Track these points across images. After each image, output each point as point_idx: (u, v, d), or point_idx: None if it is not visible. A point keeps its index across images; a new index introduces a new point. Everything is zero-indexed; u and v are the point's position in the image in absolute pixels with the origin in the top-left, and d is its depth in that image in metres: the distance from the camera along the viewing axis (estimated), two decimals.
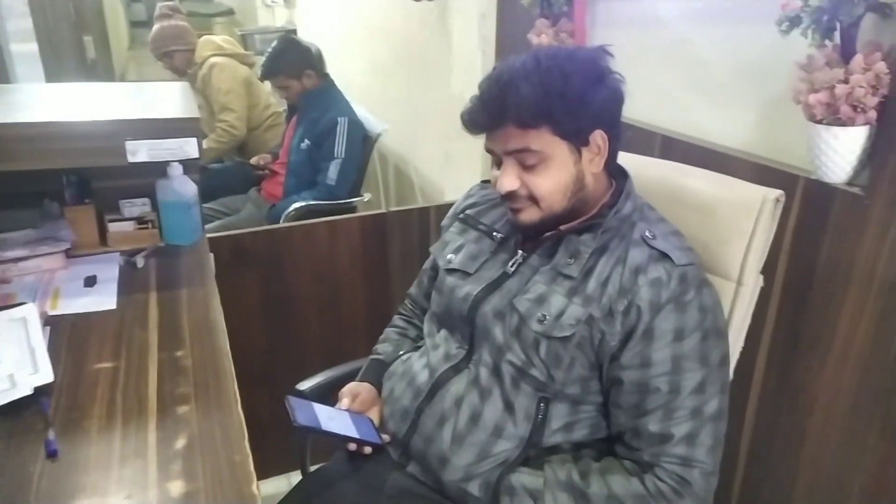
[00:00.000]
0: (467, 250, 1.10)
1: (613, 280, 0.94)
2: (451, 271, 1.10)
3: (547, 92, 0.91)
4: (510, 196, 0.99)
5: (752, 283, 1.03)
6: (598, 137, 0.96)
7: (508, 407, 0.98)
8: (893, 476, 1.02)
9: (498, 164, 1.00)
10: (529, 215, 0.99)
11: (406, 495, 1.04)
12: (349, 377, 1.22)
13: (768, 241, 1.02)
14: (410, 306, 1.32)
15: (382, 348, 1.24)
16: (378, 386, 1.17)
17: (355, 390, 1.15)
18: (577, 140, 0.96)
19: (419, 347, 1.17)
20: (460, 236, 1.14)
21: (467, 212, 1.16)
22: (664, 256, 0.93)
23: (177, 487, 0.79)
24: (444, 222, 1.22)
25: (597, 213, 1.00)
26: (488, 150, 1.00)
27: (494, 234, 1.10)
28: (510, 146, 0.96)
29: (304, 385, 1.24)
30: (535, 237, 1.03)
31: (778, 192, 0.99)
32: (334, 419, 1.06)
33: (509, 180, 0.97)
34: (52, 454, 0.83)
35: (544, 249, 1.02)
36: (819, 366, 1.11)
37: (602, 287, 0.94)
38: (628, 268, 0.94)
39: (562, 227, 1.00)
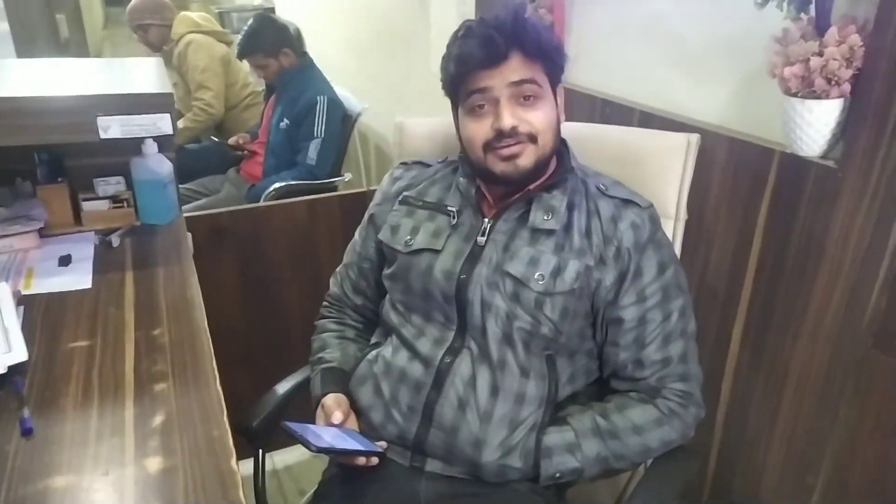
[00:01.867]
0: (425, 229, 1.07)
1: (595, 230, 1.01)
2: (415, 252, 1.06)
3: (543, 31, 1.01)
4: (513, 133, 0.98)
5: (683, 218, 1.15)
6: (560, 90, 1.05)
7: (524, 372, 1.00)
8: (863, 444, 1.05)
9: (479, 107, 0.99)
10: (527, 158, 1.00)
11: (444, 499, 1.00)
12: (300, 387, 1.17)
13: (690, 179, 1.13)
14: (337, 307, 1.24)
15: (329, 355, 1.14)
16: (346, 395, 1.09)
17: (339, 401, 1.07)
18: (555, 85, 1.03)
19: (374, 345, 1.12)
20: (409, 218, 1.10)
21: (405, 193, 1.14)
22: (628, 203, 1.03)
23: (155, 463, 0.78)
24: (376, 209, 1.17)
25: (555, 172, 1.06)
26: (476, 92, 0.99)
27: (447, 207, 1.08)
28: (515, 76, 0.97)
29: (282, 388, 1.18)
30: (500, 200, 1.05)
31: (696, 136, 1.12)
32: (335, 436, 0.98)
33: (511, 116, 0.98)
34: (26, 432, 0.82)
35: (511, 212, 1.03)
36: (793, 338, 1.13)
37: (586, 238, 1.00)
38: (604, 218, 1.01)
39: (530, 188, 1.03)
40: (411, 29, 2.46)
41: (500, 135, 0.98)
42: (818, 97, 0.97)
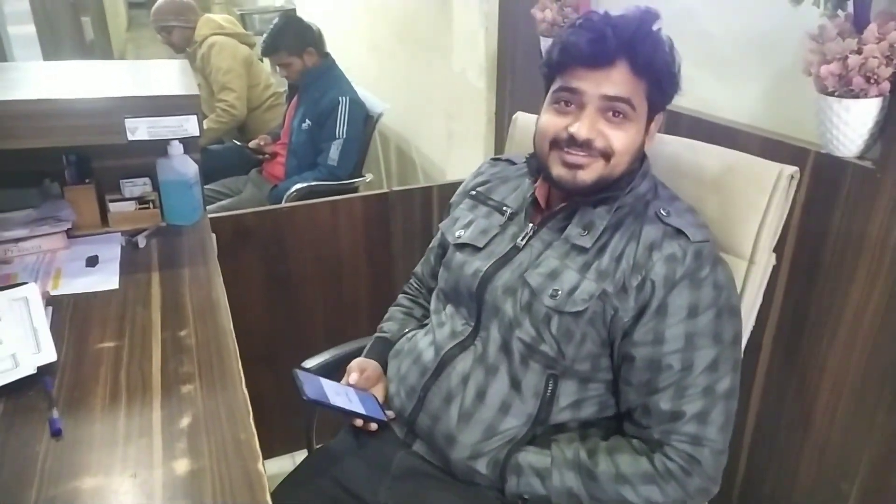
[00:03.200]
0: (477, 225, 1.09)
1: (627, 255, 0.93)
2: (460, 246, 1.09)
3: (661, 49, 0.93)
4: (585, 145, 0.93)
5: (765, 262, 1.01)
6: (660, 118, 0.99)
7: (515, 384, 0.98)
8: None
9: (565, 103, 0.95)
10: (590, 174, 0.95)
11: (412, 474, 1.04)
12: (354, 356, 1.21)
13: (782, 219, 1.00)
14: (416, 285, 1.31)
15: (388, 326, 1.23)
16: (383, 364, 1.17)
17: (362, 365, 1.15)
18: (653, 112, 0.97)
19: (424, 326, 1.16)
20: (470, 212, 1.13)
21: (478, 189, 1.15)
22: (679, 233, 0.92)
23: (182, 465, 0.78)
24: (454, 199, 1.21)
25: (612, 187, 0.98)
26: (567, 90, 0.94)
27: (504, 208, 1.08)
28: (611, 90, 0.92)
29: (310, 363, 1.23)
30: (550, 209, 1.03)
31: (793, 169, 0.97)
32: (341, 394, 1.06)
33: (589, 129, 0.92)
34: (56, 433, 0.83)
35: (555, 223, 1.01)
36: (828, 342, 1.11)
37: (616, 262, 0.93)
38: (642, 244, 0.92)
39: (576, 198, 0.99)
40: (433, 29, 2.46)
41: (572, 141, 0.94)
42: (856, 96, 0.94)
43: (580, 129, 0.93)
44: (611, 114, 0.93)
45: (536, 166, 1.07)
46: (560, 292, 0.94)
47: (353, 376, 1.12)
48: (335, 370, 1.21)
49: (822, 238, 1.08)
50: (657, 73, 0.93)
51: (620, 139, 0.94)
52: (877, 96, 0.94)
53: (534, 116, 1.35)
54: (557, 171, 0.97)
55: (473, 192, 1.15)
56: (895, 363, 1.00)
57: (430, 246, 1.27)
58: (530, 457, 0.96)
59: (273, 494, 0.75)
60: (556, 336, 0.94)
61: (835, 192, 1.05)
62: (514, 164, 1.18)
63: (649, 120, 0.97)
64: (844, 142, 0.99)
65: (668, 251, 0.91)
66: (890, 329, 1.00)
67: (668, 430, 0.90)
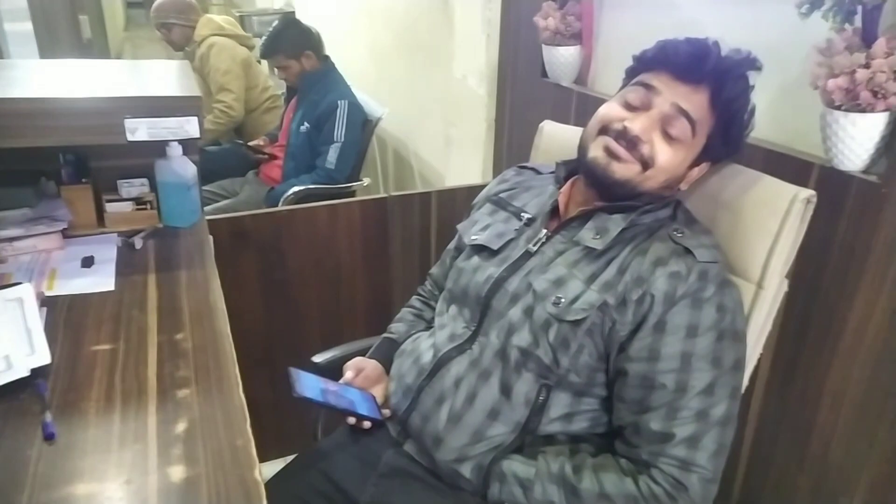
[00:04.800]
0: (494, 229, 1.09)
1: (632, 269, 0.92)
2: (475, 249, 1.09)
3: (745, 98, 0.97)
4: (632, 142, 0.94)
5: (775, 288, 0.97)
6: (704, 168, 1.01)
7: (505, 390, 0.97)
8: None
9: (630, 102, 0.97)
10: (623, 170, 0.96)
11: (399, 474, 1.04)
12: (363, 352, 1.22)
13: (796, 244, 0.97)
14: (430, 287, 1.31)
15: (396, 327, 1.23)
16: (386, 364, 1.16)
17: (360, 365, 1.15)
18: (705, 155, 0.99)
19: (429, 327, 1.16)
20: (490, 216, 1.13)
21: (501, 195, 1.16)
22: (687, 252, 0.91)
23: (178, 472, 0.77)
24: (476, 202, 1.21)
25: (634, 199, 0.98)
26: (644, 85, 0.97)
27: (522, 214, 1.08)
28: (685, 103, 0.94)
29: (319, 358, 1.24)
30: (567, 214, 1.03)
31: (809, 193, 0.94)
32: (335, 393, 1.06)
33: (645, 128, 0.94)
34: (49, 437, 0.81)
35: (569, 231, 1.01)
36: (829, 357, 1.10)
37: (619, 275, 0.93)
38: (648, 259, 0.92)
39: (596, 204, 1.00)
40: (434, 35, 2.45)
41: (622, 134, 0.95)
42: (863, 110, 0.94)
43: (635, 124, 0.94)
44: (669, 130, 0.95)
45: (565, 173, 1.08)
46: (563, 300, 0.94)
47: (347, 374, 1.13)
48: (342, 366, 1.20)
49: (824, 252, 1.08)
50: (730, 116, 0.96)
51: (666, 154, 0.95)
52: (884, 111, 0.94)
53: (561, 126, 1.37)
54: (595, 153, 0.98)
55: (495, 198, 1.16)
56: None
57: (447, 248, 1.27)
58: (515, 466, 0.95)
59: (267, 485, 0.75)
60: (552, 344, 0.93)
61: (839, 206, 1.04)
62: (540, 173, 1.18)
63: (696, 161, 0.99)
64: (850, 156, 0.99)
65: (672, 268, 0.89)
66: (892, 345, 1.00)
67: (657, 452, 0.88)
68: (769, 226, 0.95)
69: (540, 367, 0.95)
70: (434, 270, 1.31)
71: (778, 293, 0.99)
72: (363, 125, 2.56)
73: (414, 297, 1.32)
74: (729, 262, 0.98)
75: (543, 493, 0.92)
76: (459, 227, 1.20)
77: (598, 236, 0.97)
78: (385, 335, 1.22)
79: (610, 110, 0.99)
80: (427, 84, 2.60)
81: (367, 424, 1.08)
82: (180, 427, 0.84)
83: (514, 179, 1.19)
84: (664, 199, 1.00)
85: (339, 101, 2.47)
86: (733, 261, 0.99)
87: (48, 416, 0.84)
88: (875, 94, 0.92)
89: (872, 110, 0.94)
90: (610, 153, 0.96)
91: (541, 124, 1.39)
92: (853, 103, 0.95)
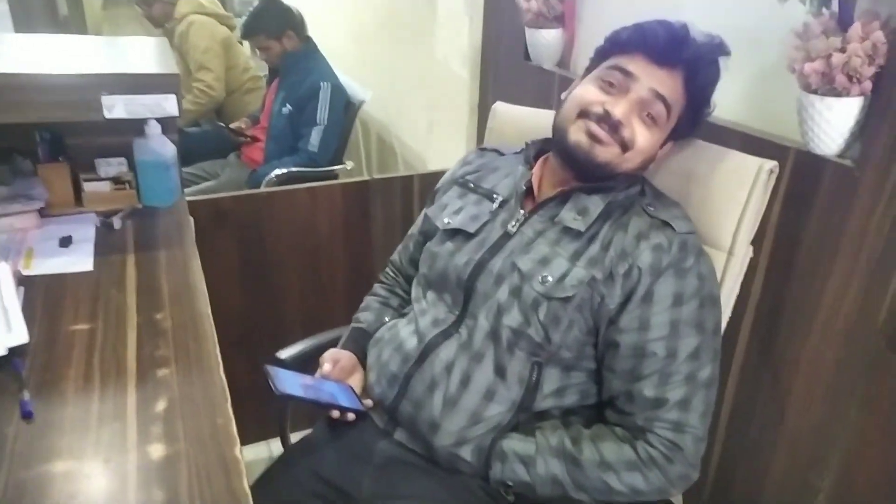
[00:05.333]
0: (467, 212, 1.09)
1: (615, 244, 0.95)
2: (450, 233, 1.08)
3: (714, 83, 0.99)
4: (614, 126, 0.96)
5: (743, 254, 1.04)
6: (670, 147, 1.04)
7: (499, 371, 0.98)
8: (872, 445, 1.04)
9: (610, 84, 0.98)
10: (605, 153, 0.97)
11: (395, 463, 1.03)
12: (329, 345, 1.19)
13: (760, 212, 1.03)
14: (392, 273, 1.29)
15: (364, 317, 1.21)
16: (359, 354, 1.15)
17: (335, 356, 1.13)
18: (673, 134, 1.01)
19: (404, 315, 1.15)
20: (459, 199, 1.12)
21: (467, 177, 1.15)
22: (665, 225, 0.95)
23: (157, 450, 0.77)
24: (440, 186, 1.20)
25: (611, 179, 1.00)
26: (621, 70, 0.97)
27: (494, 195, 1.08)
28: (661, 88, 0.96)
29: (285, 353, 1.21)
30: (542, 197, 1.04)
31: (772, 164, 1.00)
32: (314, 387, 1.05)
33: (624, 111, 0.96)
34: (26, 415, 0.81)
35: (547, 210, 1.01)
36: (802, 337, 1.12)
37: (604, 250, 0.95)
38: (630, 233, 0.95)
39: (573, 185, 1.01)
40: (417, 17, 2.44)
41: (604, 118, 0.96)
42: (838, 94, 0.95)
43: (616, 108, 0.96)
44: (646, 114, 0.97)
45: (535, 152, 1.09)
46: (550, 279, 0.95)
47: (325, 367, 1.10)
48: (311, 360, 1.18)
49: (800, 234, 1.10)
50: (702, 100, 0.99)
51: (645, 138, 0.98)
52: (858, 95, 0.95)
53: (513, 107, 1.38)
54: (577, 137, 0.98)
55: (461, 181, 1.15)
56: (868, 362, 1.02)
57: (410, 233, 1.26)
58: (515, 444, 0.97)
59: (251, 489, 0.74)
60: (543, 322, 0.95)
61: (814, 189, 1.06)
62: (502, 154, 1.18)
63: (673, 137, 1.02)
64: (825, 140, 1.00)
65: (654, 241, 0.93)
66: (864, 326, 1.02)
67: (652, 417, 0.92)
68: (738, 196, 1.01)
69: (531, 346, 0.96)
70: (395, 257, 1.29)
71: (745, 259, 1.06)
72: (346, 107, 2.54)
73: (377, 285, 1.29)
74: (700, 231, 1.02)
75: (546, 467, 0.94)
76: (428, 211, 1.18)
77: (578, 217, 0.98)
78: (354, 325, 1.20)
79: (587, 93, 0.99)
80: (410, 67, 2.58)
81: (350, 416, 1.06)
82: (160, 406, 0.84)
83: (477, 161, 1.18)
84: (635, 177, 1.03)
85: (321, 83, 2.45)
86: (705, 231, 1.03)
87: (26, 395, 0.83)
88: (850, 78, 0.93)
89: (848, 94, 0.95)
90: (592, 137, 0.97)
91: (493, 106, 1.38)
92: (829, 87, 0.96)
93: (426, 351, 1.02)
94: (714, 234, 1.03)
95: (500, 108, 1.39)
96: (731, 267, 1.03)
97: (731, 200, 1.01)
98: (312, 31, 2.66)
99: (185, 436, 0.79)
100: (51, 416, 0.82)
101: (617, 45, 1.00)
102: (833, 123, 0.98)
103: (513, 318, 0.97)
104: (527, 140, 1.15)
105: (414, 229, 1.25)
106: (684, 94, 0.98)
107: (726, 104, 1.23)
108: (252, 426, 1.52)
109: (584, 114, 0.98)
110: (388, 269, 1.31)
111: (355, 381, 1.12)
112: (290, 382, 1.01)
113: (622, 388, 0.94)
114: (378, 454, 1.04)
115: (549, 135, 1.07)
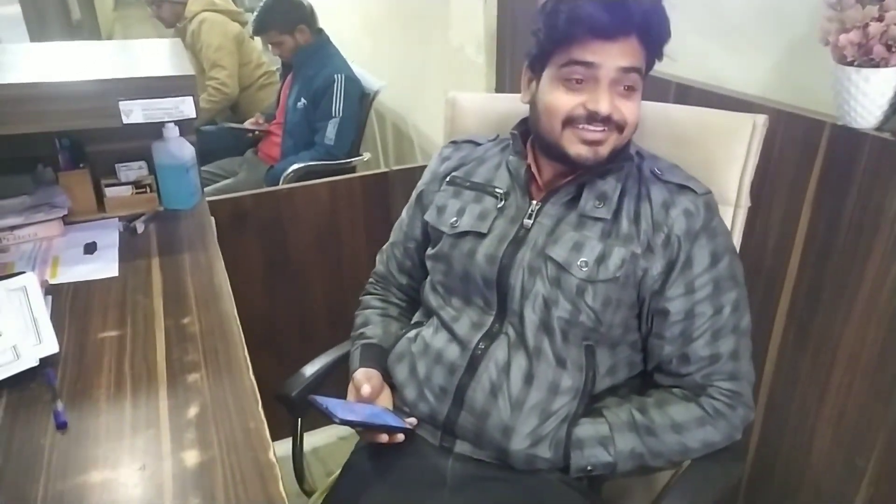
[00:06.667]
0: (471, 211, 1.04)
1: (644, 216, 0.96)
2: (460, 235, 1.04)
3: (667, 22, 0.93)
4: (604, 120, 0.92)
5: (745, 205, 1.08)
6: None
7: (560, 361, 0.96)
8: None
9: (576, 80, 0.92)
10: (608, 147, 0.95)
11: (470, 481, 0.98)
12: (338, 363, 1.15)
13: (755, 164, 1.06)
14: (382, 284, 1.22)
15: (370, 331, 1.13)
16: (381, 371, 1.08)
17: (369, 375, 1.06)
18: (643, 78, 0.96)
19: (416, 324, 1.10)
20: (456, 199, 1.07)
21: (453, 174, 1.11)
22: (683, 188, 0.97)
23: (192, 457, 0.77)
24: (425, 188, 1.15)
25: (612, 157, 0.97)
26: (580, 63, 0.90)
27: (495, 189, 1.05)
28: (625, 62, 0.90)
29: (308, 370, 1.15)
30: (550, 182, 1.01)
31: (763, 118, 1.03)
32: (359, 411, 0.98)
33: (610, 103, 0.91)
34: (61, 426, 0.81)
35: (559, 197, 0.99)
36: (843, 318, 1.09)
37: (635, 225, 0.95)
38: (655, 203, 0.96)
39: (579, 171, 0.98)
40: (429, 3, 2.40)
41: (592, 117, 0.92)
42: (876, 65, 0.92)
43: (602, 104, 0.91)
44: (622, 87, 0.93)
45: (523, 148, 1.05)
46: (588, 263, 0.94)
47: (364, 388, 1.02)
48: (323, 382, 1.14)
49: (838, 213, 1.06)
50: (660, 43, 0.94)
51: (633, 110, 0.95)
52: None
53: (471, 95, 1.31)
54: (576, 149, 0.95)
55: (450, 179, 1.11)
56: None
57: (392, 241, 1.20)
58: (588, 429, 0.95)
59: None
60: (592, 307, 0.94)
61: (852, 165, 1.02)
62: (478, 143, 1.14)
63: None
64: (863, 113, 0.97)
65: (682, 206, 0.95)
66: None
67: (710, 373, 0.95)
68: (738, 152, 1.05)
69: (584, 331, 0.96)
70: (380, 268, 1.23)
71: (745, 210, 1.09)
72: (361, 99, 2.52)
73: (367, 297, 1.22)
74: None
75: (624, 442, 0.94)
76: (427, 217, 1.11)
77: (600, 204, 0.97)
78: (363, 342, 1.12)
79: (559, 101, 0.94)
80: (424, 54, 2.55)
81: (400, 437, 0.99)
82: (192, 411, 0.84)
83: (456, 156, 1.14)
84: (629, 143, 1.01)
85: (335, 76, 2.43)
86: (713, 190, 1.02)
87: (59, 405, 0.83)
88: (889, 47, 0.89)
89: (886, 65, 0.91)
90: (591, 143, 0.94)
91: (449, 96, 1.30)
92: (866, 58, 0.92)
93: (475, 358, 0.99)
94: (720, 192, 1.05)
95: (458, 98, 1.30)
96: (738, 219, 1.08)
97: (733, 157, 1.05)
98: (324, 24, 2.64)
99: (218, 441, 0.79)
100: (85, 425, 0.82)
101: (558, 35, 0.92)
102: (870, 96, 0.95)
103: (563, 309, 0.95)
104: (501, 133, 1.13)
105: (397, 237, 1.20)
106: (643, 47, 0.92)
107: (755, 79, 1.20)
108: (282, 422, 1.53)
109: (569, 121, 0.94)
110: (372, 281, 1.24)
111: (386, 400, 1.06)
112: (342, 409, 0.93)
113: (675, 352, 0.96)
114: (451, 474, 0.99)
115: (516, 118, 1.07)
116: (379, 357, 1.09)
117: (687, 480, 0.95)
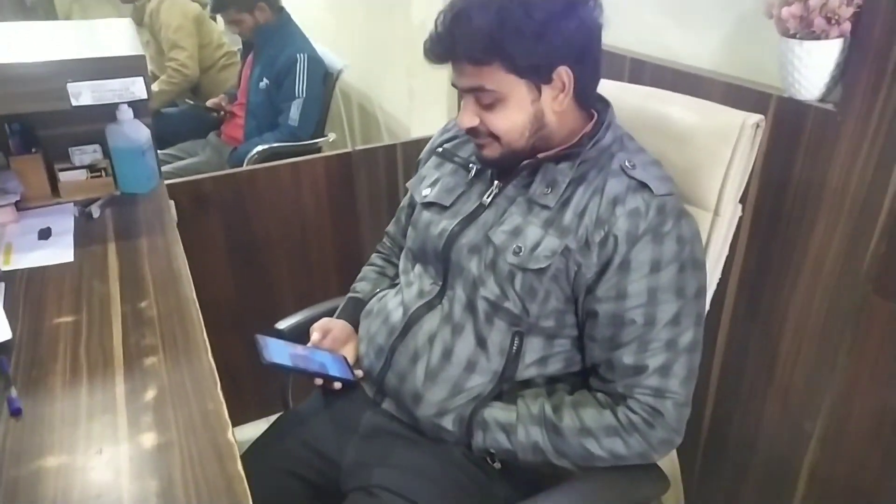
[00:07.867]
0: (443, 183, 1.08)
1: (590, 210, 0.91)
2: (427, 205, 1.08)
3: (502, 24, 0.85)
4: (472, 132, 0.97)
5: (730, 213, 1.00)
6: (563, 74, 0.90)
7: (481, 342, 0.98)
8: (860, 394, 1.05)
9: (460, 98, 0.97)
10: (491, 151, 0.97)
11: (380, 433, 1.05)
12: (328, 315, 1.20)
13: (747, 170, 0.99)
14: (389, 244, 1.30)
15: (360, 286, 1.22)
16: (354, 324, 1.16)
17: (327, 326, 1.14)
18: (537, 77, 0.90)
19: (396, 285, 1.15)
20: (436, 170, 1.11)
21: (445, 146, 1.13)
22: (643, 186, 0.91)
23: (149, 439, 0.77)
24: (421, 157, 1.19)
25: (576, 143, 0.96)
26: (453, 85, 0.96)
27: (470, 165, 1.06)
28: (465, 83, 0.93)
29: (283, 324, 1.22)
30: (511, 167, 1.00)
31: (757, 117, 0.95)
32: (305, 357, 1.06)
33: (468, 117, 0.95)
34: (15, 412, 0.80)
35: (520, 179, 0.99)
36: (790, 288, 1.12)
37: (578, 218, 0.92)
38: (605, 198, 0.91)
39: (539, 156, 0.97)
40: None
41: (467, 132, 0.98)
42: (817, 38, 0.94)
43: (461, 120, 0.96)
44: (483, 105, 0.93)
45: None
46: (523, 249, 0.94)
47: (314, 336, 1.11)
48: (307, 331, 1.19)
49: (784, 183, 1.09)
50: (502, 50, 0.87)
51: (499, 121, 0.93)
52: (838, 37, 0.94)
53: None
54: (475, 151, 1.01)
55: (440, 150, 1.14)
56: (854, 308, 1.03)
57: (401, 205, 1.26)
58: (496, 412, 0.97)
59: (241, 458, 0.75)
60: (519, 294, 0.94)
61: (797, 137, 1.05)
62: None
63: (536, 85, 0.91)
64: (806, 85, 0.99)
65: (631, 205, 0.89)
66: (850, 273, 1.02)
67: (632, 384, 0.91)
68: (722, 154, 0.96)
69: (510, 317, 0.96)
70: (390, 228, 1.30)
71: (733, 219, 1.02)
72: (324, 79, 2.49)
73: (374, 254, 1.30)
74: (684, 192, 0.98)
75: (526, 435, 0.94)
76: (409, 184, 1.18)
77: (548, 190, 0.95)
78: (350, 295, 1.21)
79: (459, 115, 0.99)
80: (387, 33, 2.53)
81: (337, 385, 1.07)
82: (149, 395, 0.84)
83: (456, 128, 1.15)
84: (595, 128, 0.97)
85: (297, 55, 2.40)
86: (689, 191, 0.99)
87: (13, 392, 0.83)
88: (829, 20, 0.91)
89: (826, 37, 0.93)
90: (478, 146, 0.99)
91: None
92: (808, 31, 0.94)
93: (410, 323, 1.03)
94: (698, 195, 0.99)
95: None
96: (718, 227, 0.99)
97: (715, 158, 0.97)
98: (285, 1, 2.60)
99: (176, 423, 0.79)
100: (40, 411, 0.81)
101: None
102: (813, 68, 0.97)
103: (489, 291, 0.96)
104: None
105: (404, 201, 1.25)
106: (479, 64, 0.89)
107: (705, 54, 1.22)
108: (251, 404, 1.53)
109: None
110: (385, 240, 1.31)
111: (349, 351, 1.13)
112: (279, 352, 1.02)
113: (603, 355, 0.94)
114: (364, 423, 1.06)
115: None
116: (356, 310, 1.17)
117: (574, 488, 0.93)
